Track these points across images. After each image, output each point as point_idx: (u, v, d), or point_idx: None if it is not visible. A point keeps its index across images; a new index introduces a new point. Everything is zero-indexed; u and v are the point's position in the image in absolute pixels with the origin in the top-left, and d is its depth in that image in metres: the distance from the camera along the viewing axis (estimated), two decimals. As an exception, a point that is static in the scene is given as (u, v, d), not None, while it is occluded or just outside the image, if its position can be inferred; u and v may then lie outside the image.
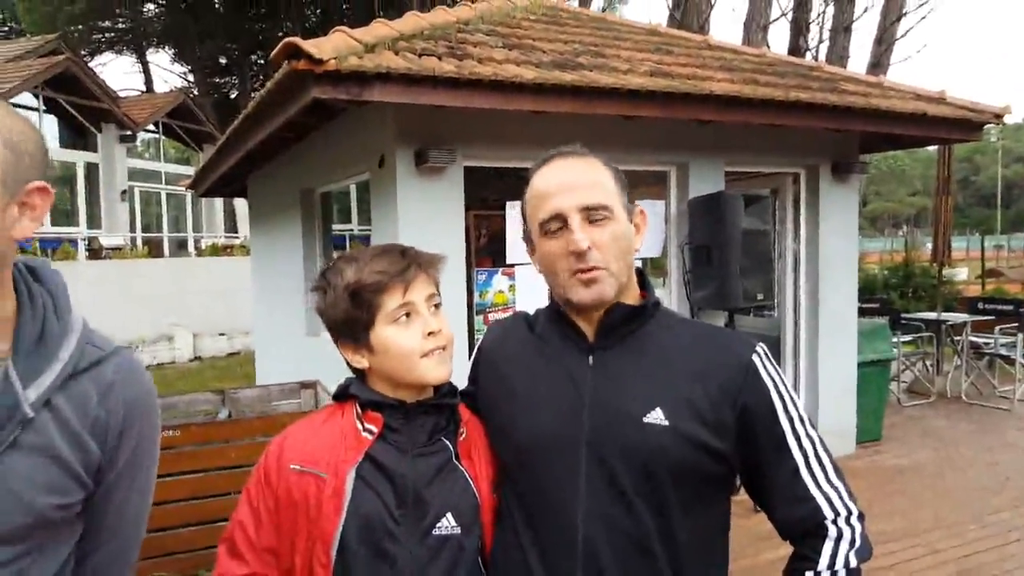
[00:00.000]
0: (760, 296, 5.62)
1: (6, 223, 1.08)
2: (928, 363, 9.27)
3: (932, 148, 10.03)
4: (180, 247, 19.69)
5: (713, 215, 5.39)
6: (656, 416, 1.36)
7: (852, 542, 1.35)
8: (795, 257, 6.46)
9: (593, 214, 1.39)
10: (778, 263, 6.48)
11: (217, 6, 24.20)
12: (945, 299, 11.55)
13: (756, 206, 5.52)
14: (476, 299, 5.17)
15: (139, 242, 18.10)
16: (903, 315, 9.30)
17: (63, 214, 18.50)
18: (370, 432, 1.45)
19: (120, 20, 25.81)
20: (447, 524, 1.42)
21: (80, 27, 24.58)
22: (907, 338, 8.83)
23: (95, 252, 16.19)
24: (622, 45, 5.66)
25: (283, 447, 1.48)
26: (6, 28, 27.61)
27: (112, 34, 26.81)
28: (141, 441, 1.27)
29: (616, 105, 4.50)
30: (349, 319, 1.47)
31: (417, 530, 1.39)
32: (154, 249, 18.11)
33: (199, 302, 14.54)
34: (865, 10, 25.13)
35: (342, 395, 1.54)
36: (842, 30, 14.48)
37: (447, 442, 1.49)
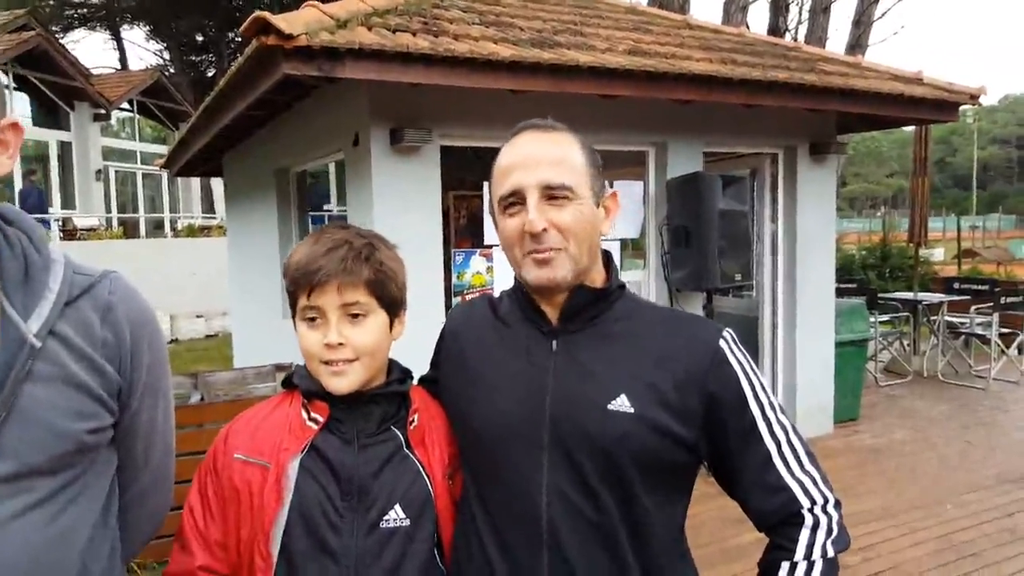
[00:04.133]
0: (738, 277, 5.63)
1: None
2: (905, 343, 9.35)
3: (909, 129, 10.04)
4: (157, 228, 19.44)
5: (691, 195, 5.38)
6: (620, 403, 1.32)
7: (829, 531, 1.32)
8: (773, 238, 6.46)
9: (554, 192, 1.33)
10: (756, 244, 6.49)
11: (193, -19, 23.73)
12: (922, 279, 11.63)
13: (734, 187, 5.52)
14: (454, 280, 5.13)
15: (115, 223, 17.83)
16: (880, 295, 9.36)
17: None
18: (315, 421, 1.40)
19: (93, -6, 25.31)
20: (395, 516, 1.37)
21: (51, 2, 24.07)
22: (884, 318, 8.89)
23: (69, 233, 15.92)
24: (602, 23, 5.60)
25: (229, 436, 1.44)
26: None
27: (85, 10, 26.27)
28: (153, 359, 1.27)
29: (594, 84, 4.45)
30: (288, 300, 1.45)
31: (363, 523, 1.35)
32: (130, 230, 17.87)
33: (176, 284, 14.33)
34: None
35: (289, 382, 1.49)
36: (820, 11, 14.46)
37: (396, 431, 1.43)
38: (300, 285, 1.37)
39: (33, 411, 1.10)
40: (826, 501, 1.34)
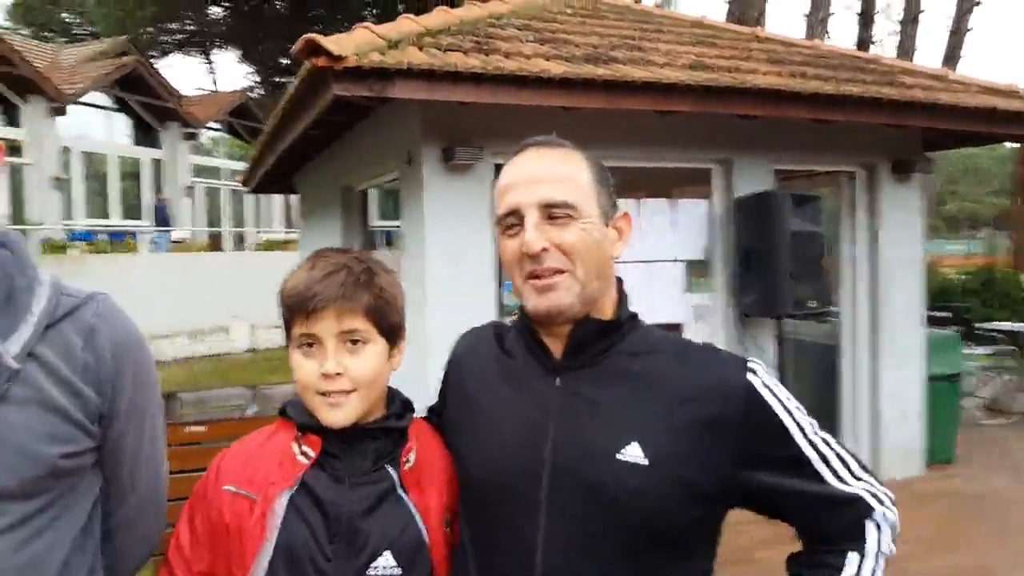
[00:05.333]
0: (812, 303, 5.31)
1: None
2: (1009, 378, 8.56)
3: (1014, 145, 9.40)
4: (240, 241, 20.13)
5: (759, 215, 5.13)
6: (632, 452, 1.18)
7: (893, 525, 1.26)
8: (853, 262, 6.10)
9: (554, 211, 1.22)
10: (835, 268, 6.14)
11: (279, 7, 24.62)
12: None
13: (807, 206, 5.22)
14: (506, 298, 5.02)
15: (201, 236, 18.56)
16: (978, 326, 8.67)
17: (130, 208, 19.13)
18: (307, 456, 1.31)
19: (187, 22, 26.53)
20: (384, 564, 1.25)
21: (150, 29, 25.37)
22: (985, 350, 8.21)
23: (158, 245, 16.70)
24: (663, 38, 5.44)
25: (221, 465, 1.36)
26: (84, 32, 28.64)
27: (180, 36, 27.59)
28: (137, 382, 1.25)
29: (650, 99, 4.30)
30: (284, 327, 1.37)
31: (350, 568, 1.25)
32: (215, 243, 18.57)
33: (255, 295, 14.79)
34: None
35: (283, 412, 1.41)
36: (910, 21, 13.88)
37: (390, 470, 1.32)
38: (296, 311, 1.29)
39: (6, 434, 1.08)
40: (887, 497, 1.27)
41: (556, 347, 1.28)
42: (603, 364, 1.27)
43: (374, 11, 21.23)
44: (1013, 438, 7.22)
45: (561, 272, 1.22)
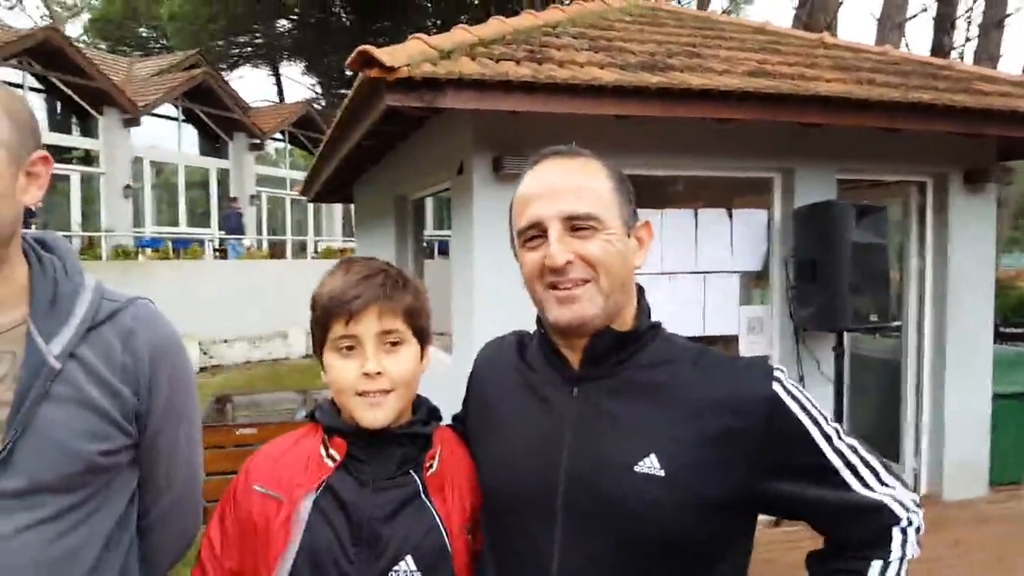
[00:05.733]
0: (874, 317, 5.11)
1: (16, 192, 1.16)
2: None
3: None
4: (302, 249, 20.52)
5: (820, 226, 4.96)
6: (649, 464, 1.16)
7: (917, 528, 1.23)
8: (919, 275, 5.87)
9: (578, 223, 1.21)
10: (902, 281, 5.91)
11: (344, 20, 25.12)
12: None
13: (870, 217, 5.02)
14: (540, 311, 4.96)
15: (264, 244, 18.94)
16: (1055, 343, 8.31)
17: (197, 216, 19.69)
18: (333, 459, 1.33)
19: (256, 35, 27.28)
20: (406, 568, 1.28)
21: (220, 42, 26.18)
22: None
23: (223, 252, 17.12)
24: (724, 45, 5.32)
25: (252, 466, 1.40)
26: (158, 46, 29.68)
27: (249, 48, 28.44)
28: (174, 384, 1.31)
29: (707, 108, 4.19)
30: (312, 332, 1.40)
31: (372, 571, 1.27)
32: (278, 251, 18.95)
33: (314, 301, 15.07)
34: (1021, 6, 23.15)
35: (312, 416, 1.43)
36: (993, 26, 13.32)
37: (414, 475, 1.34)
38: (336, 314, 1.32)
39: (47, 430, 1.15)
40: (913, 503, 1.24)
41: (574, 358, 1.27)
42: (621, 375, 1.25)
43: (437, 22, 21.50)
44: None
45: (585, 282, 1.20)
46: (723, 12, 14.58)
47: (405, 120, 4.71)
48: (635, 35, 5.10)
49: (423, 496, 1.33)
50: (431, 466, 1.36)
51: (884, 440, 6.01)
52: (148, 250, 15.90)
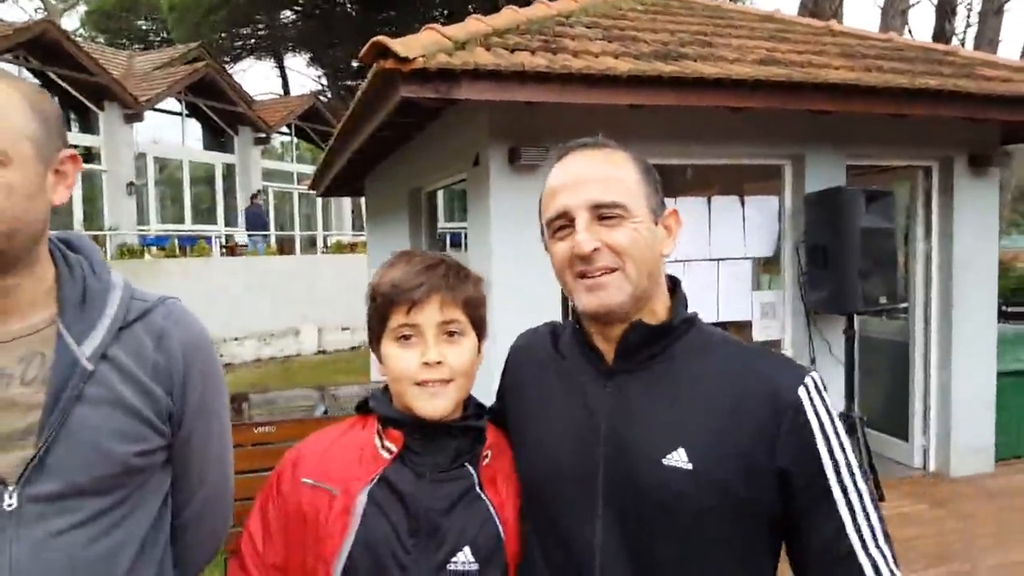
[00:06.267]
0: (883, 300, 5.19)
1: (45, 192, 1.15)
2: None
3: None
4: (311, 244, 20.51)
5: (830, 211, 5.04)
6: (677, 457, 1.18)
7: None
8: (926, 257, 5.95)
9: (605, 212, 1.23)
10: (909, 264, 5.99)
11: (349, 10, 25.01)
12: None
13: (879, 202, 5.10)
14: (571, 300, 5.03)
15: (272, 240, 18.97)
16: (1057, 321, 8.43)
17: (203, 212, 19.67)
18: (388, 451, 1.34)
19: (259, 27, 27.14)
20: (463, 559, 1.28)
21: (222, 35, 26.03)
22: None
23: (230, 249, 17.12)
24: (735, 33, 5.37)
25: (298, 459, 1.39)
26: (158, 38, 29.58)
27: (252, 40, 28.26)
28: (206, 383, 1.31)
29: (720, 96, 4.25)
30: (369, 323, 1.41)
31: (430, 563, 1.27)
32: (287, 247, 18.94)
33: (325, 297, 15.05)
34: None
35: (364, 407, 1.44)
36: (992, 12, 13.34)
37: (470, 468, 1.35)
38: (397, 302, 1.32)
39: (81, 433, 1.13)
40: None
41: (607, 350, 1.29)
42: (654, 368, 1.27)
43: (444, 12, 21.40)
44: None
45: (612, 270, 1.22)
46: (732, 0, 14.60)
47: (420, 111, 4.75)
48: (647, 24, 5.15)
49: (478, 488, 1.34)
50: (486, 457, 1.37)
51: (893, 419, 6.11)
52: (154, 248, 15.84)
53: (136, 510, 1.22)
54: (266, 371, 12.88)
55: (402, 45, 3.69)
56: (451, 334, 1.34)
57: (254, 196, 19.06)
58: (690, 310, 1.34)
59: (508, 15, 4.65)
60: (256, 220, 18.43)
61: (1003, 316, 6.16)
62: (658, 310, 1.30)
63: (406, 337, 1.33)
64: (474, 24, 4.31)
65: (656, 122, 4.47)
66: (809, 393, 1.20)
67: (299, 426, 4.22)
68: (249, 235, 18.21)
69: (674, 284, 1.35)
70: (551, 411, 1.33)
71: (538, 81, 3.89)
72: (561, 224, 1.27)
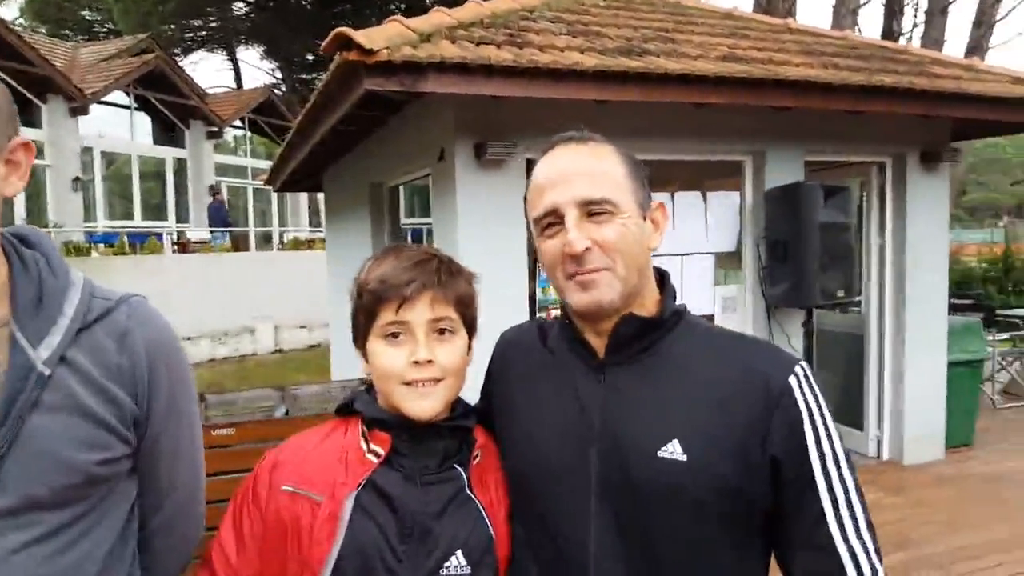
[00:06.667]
0: (840, 293, 5.32)
1: None
2: (1027, 363, 8.65)
3: (1036, 134, 9.33)
4: (266, 241, 20.20)
5: (789, 207, 5.13)
6: (672, 449, 1.17)
7: None
8: (880, 251, 6.10)
9: (594, 208, 1.21)
10: (862, 258, 6.13)
11: (304, 3, 24.67)
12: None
13: (836, 198, 5.22)
14: (539, 295, 5.04)
15: (226, 236, 18.66)
16: (999, 312, 8.72)
17: (153, 208, 19.24)
18: (375, 454, 1.28)
19: (210, 19, 26.62)
20: (456, 563, 1.24)
21: (172, 26, 25.47)
22: (1004, 336, 8.26)
23: (182, 246, 16.76)
24: (695, 30, 5.43)
25: (276, 465, 1.32)
26: (104, 29, 28.80)
27: (203, 33, 27.70)
28: (173, 383, 1.23)
29: (684, 92, 4.29)
30: (354, 320, 1.35)
31: (422, 569, 1.23)
32: (241, 243, 18.63)
33: (281, 295, 14.84)
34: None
35: (346, 409, 1.37)
36: (938, 12, 13.70)
37: (460, 469, 1.31)
38: (386, 299, 1.27)
39: (38, 442, 1.05)
40: (874, 574, 1.16)
41: (599, 344, 1.28)
42: (646, 361, 1.26)
43: (401, 5, 21.22)
44: None
45: (602, 270, 1.22)
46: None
47: (382, 105, 4.70)
48: (610, 20, 5.18)
49: (468, 490, 1.30)
50: (476, 457, 1.34)
51: (848, 410, 6.26)
52: (102, 246, 15.37)
53: (100, 522, 1.15)
54: (221, 371, 12.66)
55: (365, 37, 3.63)
56: (442, 332, 1.30)
57: (216, 192, 18.77)
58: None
59: (472, 8, 4.63)
60: (217, 215, 18.19)
61: (950, 308, 6.35)
62: (648, 303, 1.30)
63: (395, 335, 1.28)
64: (438, 17, 4.28)
65: (621, 118, 4.49)
66: (799, 382, 1.20)
67: (259, 428, 4.12)
68: (211, 231, 17.90)
69: (662, 277, 1.35)
70: (541, 406, 1.32)
71: (505, 75, 3.88)
72: (550, 221, 1.25)
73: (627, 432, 1.21)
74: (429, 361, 1.27)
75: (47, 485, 1.06)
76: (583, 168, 1.24)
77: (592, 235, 1.21)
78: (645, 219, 1.28)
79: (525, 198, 1.34)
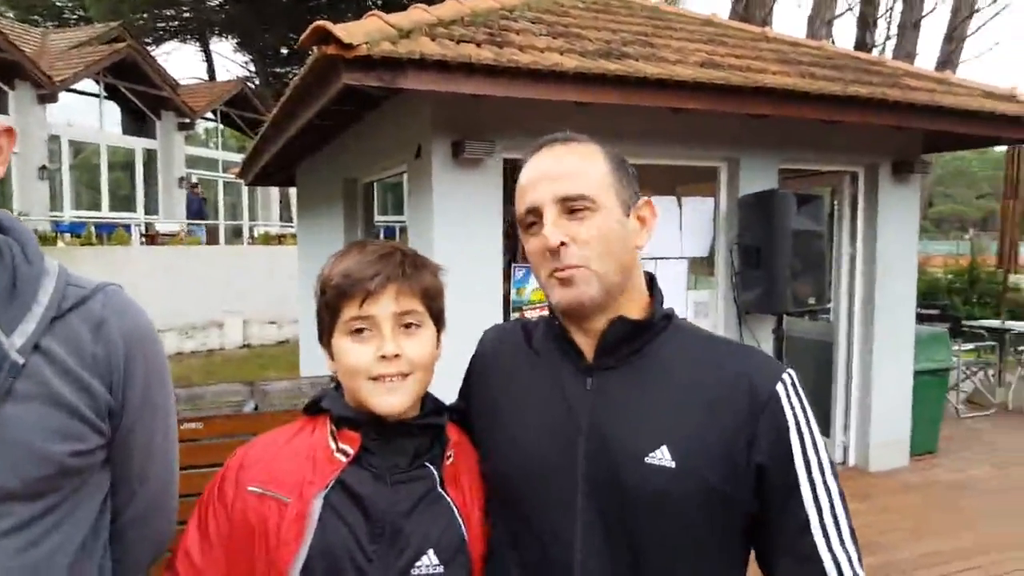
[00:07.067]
0: (812, 300, 5.37)
1: None
2: (990, 373, 8.79)
3: (1002, 148, 9.52)
4: (236, 235, 19.97)
5: (763, 214, 5.17)
6: (660, 455, 1.16)
7: None
8: (851, 260, 6.17)
9: (572, 205, 1.21)
10: (833, 266, 6.20)
11: (280, -5, 24.44)
12: (1011, 306, 10.99)
13: (809, 206, 5.27)
14: (513, 295, 5.02)
15: (202, 229, 18.43)
16: (965, 323, 8.87)
17: (121, 199, 18.93)
18: (344, 453, 1.26)
19: (184, 9, 26.29)
20: (427, 563, 1.22)
21: (144, 15, 25.12)
22: (968, 346, 8.41)
23: (151, 238, 16.54)
24: (674, 35, 5.44)
25: (243, 465, 1.29)
26: (74, 16, 28.30)
27: (176, 23, 27.35)
28: (149, 375, 1.21)
29: (662, 96, 4.30)
30: (319, 317, 1.33)
31: (393, 569, 1.21)
32: (210, 237, 18.41)
33: (250, 290, 14.68)
34: (935, 6, 24.11)
35: (314, 407, 1.35)
36: (911, 26, 13.93)
37: (432, 468, 1.29)
38: (350, 294, 1.24)
39: (11, 433, 1.03)
40: None
41: (587, 345, 1.28)
42: (635, 364, 1.25)
43: (378, 1, 21.10)
44: (991, 430, 7.50)
45: (578, 267, 1.21)
46: (665, 1, 14.85)
47: (359, 100, 4.65)
48: (590, 22, 5.18)
49: (440, 488, 1.28)
50: (449, 457, 1.32)
51: (816, 417, 6.29)
52: (68, 235, 15.13)
53: (72, 514, 1.13)
54: (188, 365, 12.48)
55: (345, 31, 3.59)
56: (408, 326, 1.27)
57: (194, 185, 18.68)
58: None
59: (452, 6, 4.60)
60: (194, 206, 18.14)
61: (917, 318, 6.45)
62: (637, 305, 1.29)
63: (360, 331, 1.26)
64: (418, 13, 4.24)
65: (599, 120, 4.48)
66: (787, 389, 1.21)
67: (228, 422, 4.07)
68: (189, 223, 17.71)
69: (652, 280, 1.35)
70: (527, 407, 1.30)
71: (486, 74, 3.85)
72: (532, 220, 1.26)
73: (615, 436, 1.20)
74: (396, 355, 1.24)
75: (19, 477, 1.04)
76: (563, 167, 1.25)
77: (569, 231, 1.21)
78: (629, 216, 1.27)
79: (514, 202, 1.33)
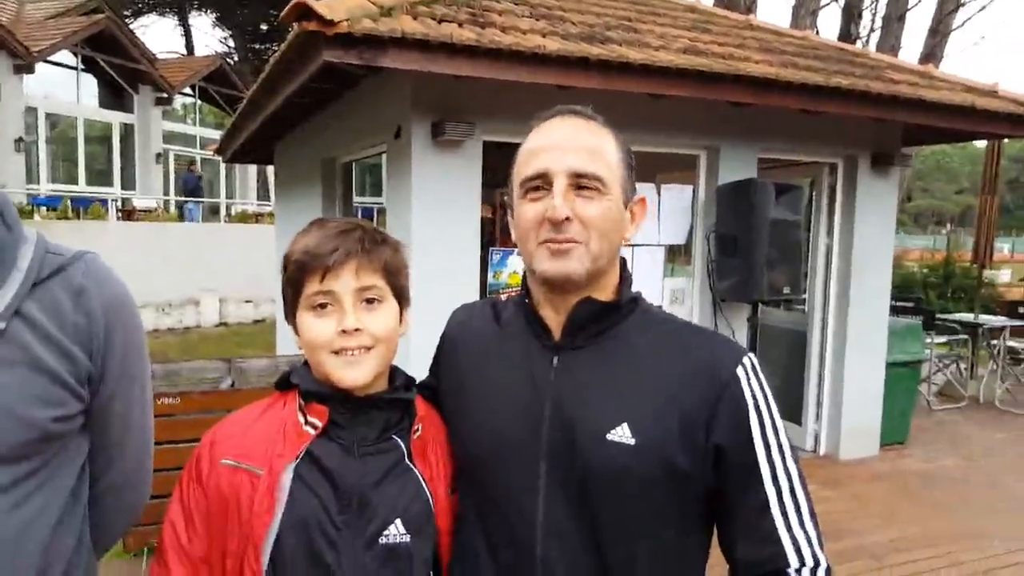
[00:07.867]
0: (787, 290, 5.41)
1: None
2: (962, 366, 8.90)
3: (982, 144, 9.60)
4: (213, 212, 19.77)
5: (741, 203, 5.19)
6: (621, 433, 1.18)
7: None
8: (827, 251, 6.22)
9: (584, 182, 1.22)
10: (810, 256, 6.24)
11: (259, -30, 24.10)
12: (984, 301, 11.14)
13: (788, 196, 5.30)
14: (490, 279, 5.01)
15: (172, 206, 18.21)
16: (939, 316, 8.98)
17: (98, 174, 18.67)
18: (313, 427, 1.29)
19: (163, -18, 25.89)
20: (395, 532, 1.26)
21: (124, -13, 24.69)
22: (942, 339, 8.52)
23: (127, 213, 16.33)
24: (658, 20, 5.43)
25: (215, 440, 1.32)
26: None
27: (155, -5, 26.92)
28: (128, 346, 1.23)
29: (644, 82, 4.28)
30: (283, 293, 1.34)
31: (361, 538, 1.24)
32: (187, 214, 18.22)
33: (227, 268, 14.54)
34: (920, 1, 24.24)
35: (284, 383, 1.37)
36: (895, 18, 13.96)
37: (399, 440, 1.32)
38: (311, 269, 1.26)
39: None
40: (816, 565, 1.17)
41: (555, 323, 1.29)
42: (601, 345, 1.28)
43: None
44: (961, 422, 7.61)
45: (577, 243, 1.22)
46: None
47: (339, 78, 4.61)
48: (573, 5, 5.14)
49: (407, 460, 1.31)
50: (417, 430, 1.35)
51: (788, 404, 6.38)
52: (44, 209, 14.91)
53: (53, 478, 1.15)
54: (164, 342, 12.35)
55: (326, 7, 3.55)
56: (370, 301, 1.29)
57: (191, 163, 18.52)
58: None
59: (435, -15, 4.53)
60: (190, 184, 17.98)
61: (891, 310, 6.53)
62: (607, 289, 1.30)
63: (322, 306, 1.28)
64: (400, -9, 4.18)
65: (581, 104, 4.46)
66: (747, 372, 1.23)
67: (204, 398, 4.06)
68: (185, 202, 17.58)
69: (623, 264, 1.36)
70: (494, 385, 1.32)
71: (467, 55, 3.82)
72: (537, 185, 1.25)
73: (578, 414, 1.22)
74: (357, 329, 1.26)
75: (3, 441, 1.05)
76: (581, 141, 1.25)
77: (575, 208, 1.22)
78: (626, 208, 1.29)
79: (513, 161, 1.33)
